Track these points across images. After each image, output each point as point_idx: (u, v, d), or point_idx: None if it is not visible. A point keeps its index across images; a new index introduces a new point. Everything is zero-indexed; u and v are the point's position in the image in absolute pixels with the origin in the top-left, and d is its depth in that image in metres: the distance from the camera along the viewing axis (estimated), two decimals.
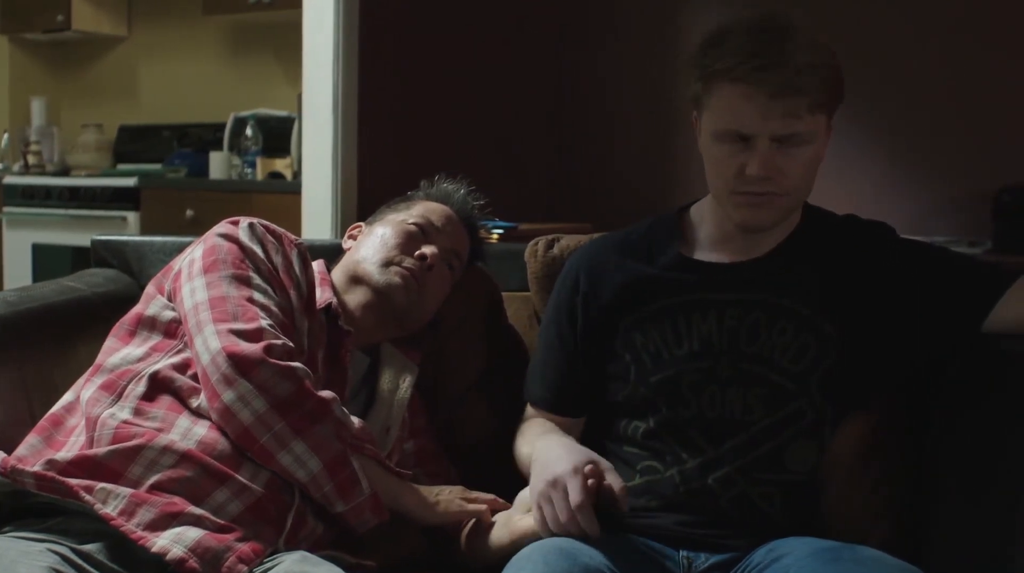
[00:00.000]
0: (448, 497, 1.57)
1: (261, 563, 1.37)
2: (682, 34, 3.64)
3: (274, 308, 1.53)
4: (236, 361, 1.42)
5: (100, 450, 1.39)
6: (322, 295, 1.68)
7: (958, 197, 3.26)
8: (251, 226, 1.62)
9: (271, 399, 1.42)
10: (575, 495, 1.38)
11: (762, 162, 1.46)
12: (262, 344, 1.44)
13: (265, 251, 1.60)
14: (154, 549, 1.31)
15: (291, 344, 1.49)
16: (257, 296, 1.52)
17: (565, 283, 1.70)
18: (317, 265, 1.75)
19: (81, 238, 4.24)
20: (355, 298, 1.72)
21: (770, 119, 1.44)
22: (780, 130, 1.44)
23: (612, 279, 1.63)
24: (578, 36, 3.88)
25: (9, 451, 1.46)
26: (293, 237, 1.67)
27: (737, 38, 1.45)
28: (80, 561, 1.30)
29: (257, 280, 1.55)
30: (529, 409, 1.73)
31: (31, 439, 1.48)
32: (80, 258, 3.98)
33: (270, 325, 1.48)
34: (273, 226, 1.66)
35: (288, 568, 1.36)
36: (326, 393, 1.47)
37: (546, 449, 1.50)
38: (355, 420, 1.51)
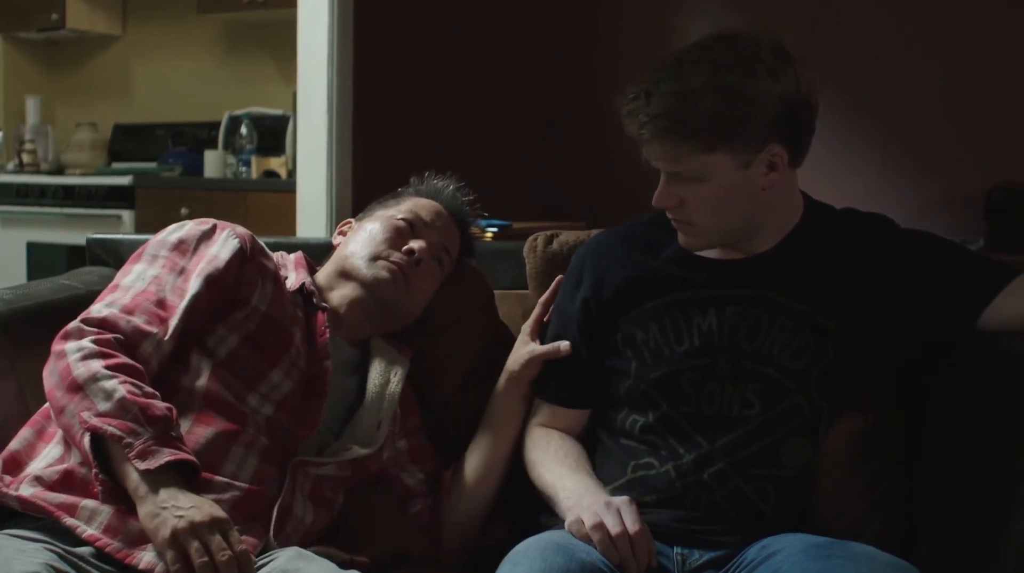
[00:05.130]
0: None
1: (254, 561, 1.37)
2: (674, 30, 3.65)
3: (151, 288, 1.55)
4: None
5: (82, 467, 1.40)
6: (296, 277, 1.69)
7: (950, 196, 3.27)
8: (200, 223, 1.66)
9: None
10: (633, 522, 1.41)
11: (658, 193, 1.55)
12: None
13: (196, 245, 1.62)
14: (141, 566, 1.33)
15: (126, 319, 1.49)
16: (132, 281, 1.57)
17: (570, 278, 1.71)
18: (294, 256, 1.77)
19: (76, 237, 4.24)
20: (344, 293, 1.72)
21: (655, 158, 1.52)
22: (666, 168, 1.52)
23: (617, 273, 1.65)
24: (570, 35, 3.89)
25: (4, 444, 1.49)
26: (244, 230, 1.68)
27: (634, 78, 1.50)
28: (75, 560, 1.31)
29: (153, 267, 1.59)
30: (536, 402, 1.73)
31: (24, 432, 1.50)
32: (75, 257, 3.97)
33: (113, 310, 1.50)
34: (235, 226, 1.67)
35: (282, 565, 1.37)
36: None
37: (584, 482, 1.55)
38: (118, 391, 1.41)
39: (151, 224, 4.16)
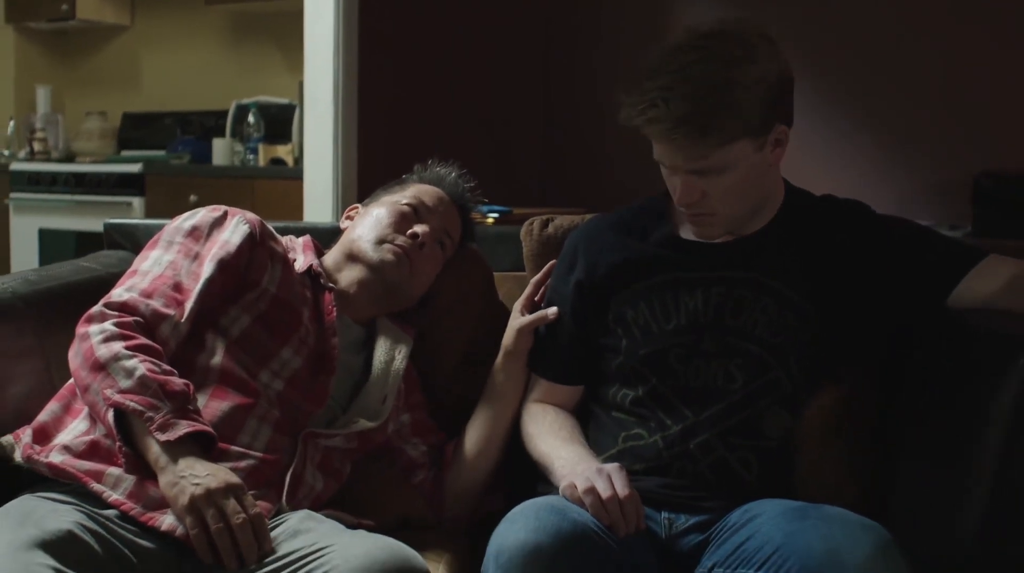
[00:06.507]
0: None
1: (267, 523, 1.44)
2: (673, 23, 3.68)
3: (168, 273, 1.62)
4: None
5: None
6: (304, 259, 1.77)
7: (938, 182, 3.28)
8: (212, 210, 1.73)
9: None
10: (623, 487, 1.47)
11: (682, 192, 1.59)
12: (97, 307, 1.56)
13: (211, 230, 1.70)
14: (163, 528, 1.40)
15: (145, 303, 1.56)
16: (153, 266, 1.64)
17: (564, 261, 1.78)
18: (303, 239, 1.84)
19: (86, 223, 4.31)
20: (350, 275, 1.80)
21: (677, 159, 1.56)
22: (689, 167, 1.55)
23: (608, 256, 1.71)
24: (570, 34, 3.89)
25: (32, 416, 1.57)
26: (254, 216, 1.75)
27: (638, 86, 1.52)
28: (103, 520, 1.40)
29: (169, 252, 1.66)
30: (532, 379, 1.80)
31: (52, 406, 1.58)
32: (85, 243, 4.03)
33: (133, 294, 1.58)
34: (245, 212, 1.74)
35: (294, 526, 1.45)
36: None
37: (577, 452, 1.62)
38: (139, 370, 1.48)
39: (161, 211, 4.22)
